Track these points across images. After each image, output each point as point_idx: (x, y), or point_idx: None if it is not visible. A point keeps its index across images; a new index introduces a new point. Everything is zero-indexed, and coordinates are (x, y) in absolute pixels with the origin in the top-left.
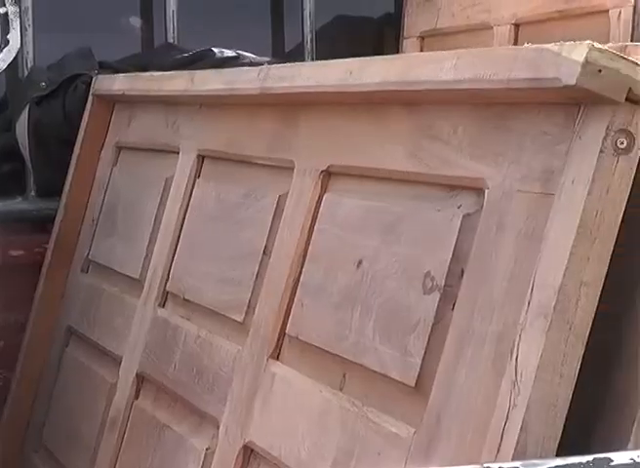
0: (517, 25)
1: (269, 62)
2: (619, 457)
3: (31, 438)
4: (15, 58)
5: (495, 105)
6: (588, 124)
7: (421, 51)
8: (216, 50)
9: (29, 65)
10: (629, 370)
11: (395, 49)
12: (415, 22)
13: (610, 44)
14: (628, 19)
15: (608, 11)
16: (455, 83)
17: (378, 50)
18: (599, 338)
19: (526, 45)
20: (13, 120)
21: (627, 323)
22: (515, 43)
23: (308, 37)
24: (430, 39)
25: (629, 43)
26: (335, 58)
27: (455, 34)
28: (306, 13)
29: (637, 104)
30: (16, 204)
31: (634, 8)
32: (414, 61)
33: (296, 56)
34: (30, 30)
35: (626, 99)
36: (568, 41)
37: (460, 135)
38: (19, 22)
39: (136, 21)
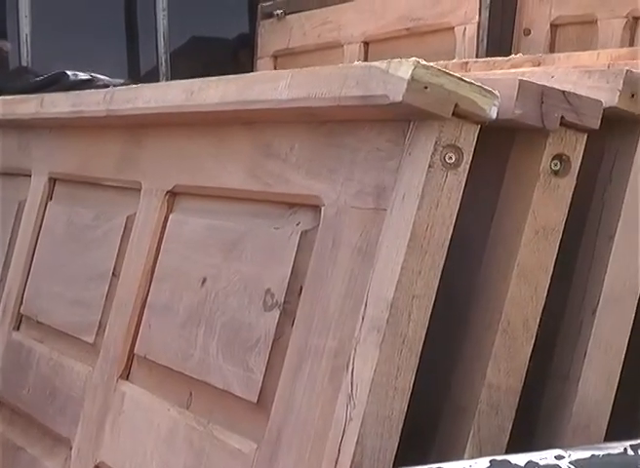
0: (367, 43)
1: (123, 84)
2: (451, 467)
3: None
4: None
5: (329, 123)
6: (417, 140)
7: (275, 70)
8: (70, 73)
9: None
10: (465, 385)
11: (250, 69)
12: (267, 42)
13: (455, 60)
14: (473, 35)
15: (453, 28)
16: (289, 102)
17: (233, 70)
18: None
19: (356, 62)
20: None
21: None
22: (365, 60)
23: (163, 58)
24: (283, 58)
25: (471, 59)
26: (191, 79)
27: (307, 53)
28: (160, 35)
29: (464, 119)
30: None
31: (478, 25)
32: (250, 81)
33: (151, 77)
34: None
35: (453, 115)
36: (414, 58)
37: (296, 152)
38: None
39: None
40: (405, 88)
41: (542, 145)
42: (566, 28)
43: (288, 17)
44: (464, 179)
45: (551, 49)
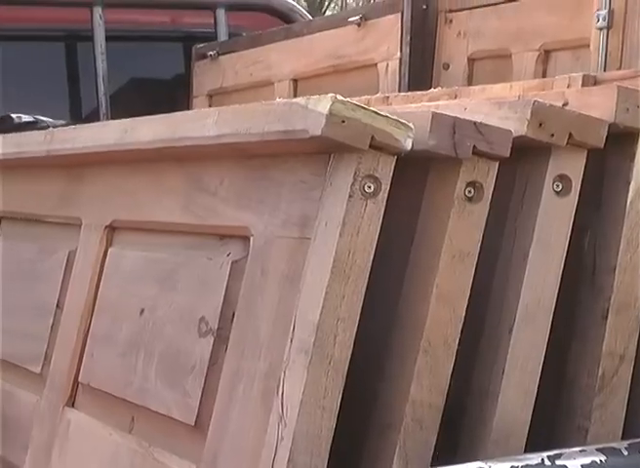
0: (295, 80)
1: (65, 125)
2: None
3: None
4: None
5: (256, 157)
6: (338, 171)
7: (210, 107)
8: (14, 116)
9: None
10: (390, 402)
11: (187, 107)
12: (202, 82)
13: (378, 94)
14: (395, 70)
15: (377, 64)
16: (216, 138)
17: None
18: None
19: (278, 100)
20: None
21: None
22: (295, 96)
23: (103, 100)
24: (217, 97)
25: (393, 93)
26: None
27: (239, 91)
28: (99, 77)
29: (381, 151)
30: None
31: (400, 60)
32: (180, 120)
33: (92, 118)
34: None
35: (371, 147)
36: (341, 93)
37: (226, 186)
38: None
39: None
40: (324, 122)
41: (456, 174)
42: (483, 62)
43: (221, 57)
44: (383, 207)
45: (469, 82)
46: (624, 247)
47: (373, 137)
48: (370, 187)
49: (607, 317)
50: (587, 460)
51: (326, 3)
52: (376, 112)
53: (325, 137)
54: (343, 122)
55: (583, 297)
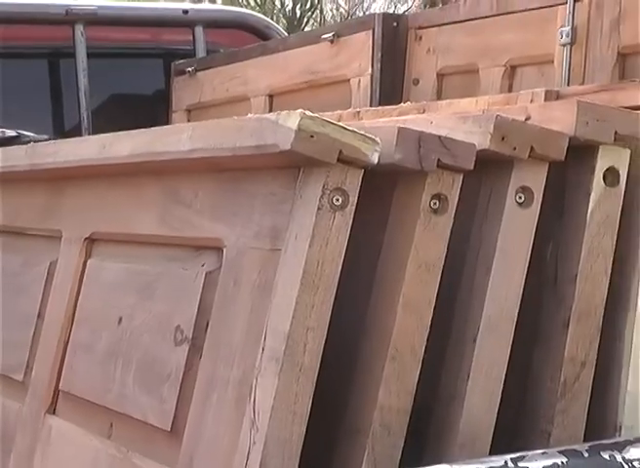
0: (271, 96)
1: (47, 140)
2: None
3: None
4: None
5: (229, 171)
6: (307, 184)
7: (189, 122)
8: None
9: None
10: (358, 408)
11: (166, 122)
12: (181, 97)
13: (350, 109)
14: (367, 86)
15: (349, 80)
16: (190, 152)
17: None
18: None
19: (249, 115)
20: None
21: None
22: (270, 111)
23: (84, 115)
24: (195, 112)
25: (364, 108)
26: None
27: (217, 106)
28: (81, 93)
29: (349, 165)
30: None
31: (371, 76)
32: (158, 134)
33: (74, 133)
34: None
35: (339, 161)
36: (314, 108)
37: (200, 199)
38: None
39: None
40: (293, 137)
41: (422, 186)
42: (451, 77)
43: (199, 73)
44: (351, 219)
45: (438, 96)
46: (585, 256)
47: (341, 152)
48: (338, 200)
49: (568, 325)
50: (549, 462)
51: (305, 20)
52: (344, 127)
53: (294, 152)
54: (312, 137)
55: (546, 306)
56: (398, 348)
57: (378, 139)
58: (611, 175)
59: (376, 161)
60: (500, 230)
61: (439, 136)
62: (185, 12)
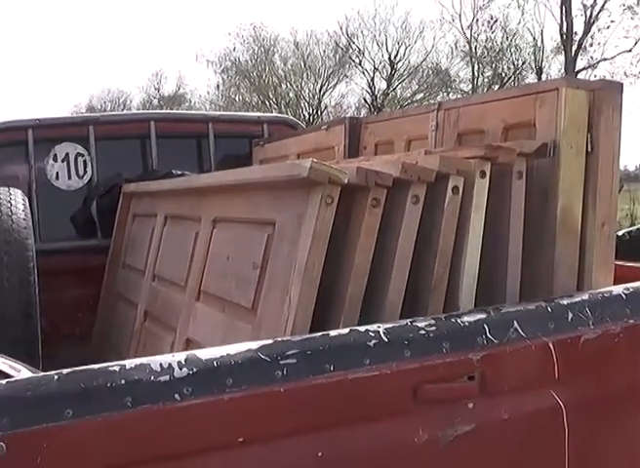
0: (299, 155)
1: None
2: None
3: None
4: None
5: (279, 188)
6: (314, 193)
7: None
8: (173, 171)
9: (94, 181)
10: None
11: None
12: (256, 157)
13: (334, 160)
14: (342, 150)
15: (334, 147)
16: (262, 178)
17: None
18: None
19: (288, 162)
20: (90, 206)
21: None
22: None
23: (212, 165)
24: (264, 162)
25: (342, 159)
26: None
27: (274, 159)
28: (211, 157)
29: (333, 183)
30: (93, 240)
31: (344, 145)
32: (245, 170)
33: (206, 172)
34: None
35: (329, 181)
36: (314, 159)
37: (263, 201)
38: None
39: None
40: (307, 170)
41: (367, 194)
42: (381, 146)
43: (266, 145)
44: (334, 209)
45: (375, 154)
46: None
47: (330, 178)
48: (328, 200)
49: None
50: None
51: (314, 118)
52: (331, 166)
53: (308, 178)
54: (316, 170)
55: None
56: None
57: (346, 171)
58: (455, 189)
59: (346, 181)
60: (404, 216)
61: (376, 170)
62: (259, 117)
